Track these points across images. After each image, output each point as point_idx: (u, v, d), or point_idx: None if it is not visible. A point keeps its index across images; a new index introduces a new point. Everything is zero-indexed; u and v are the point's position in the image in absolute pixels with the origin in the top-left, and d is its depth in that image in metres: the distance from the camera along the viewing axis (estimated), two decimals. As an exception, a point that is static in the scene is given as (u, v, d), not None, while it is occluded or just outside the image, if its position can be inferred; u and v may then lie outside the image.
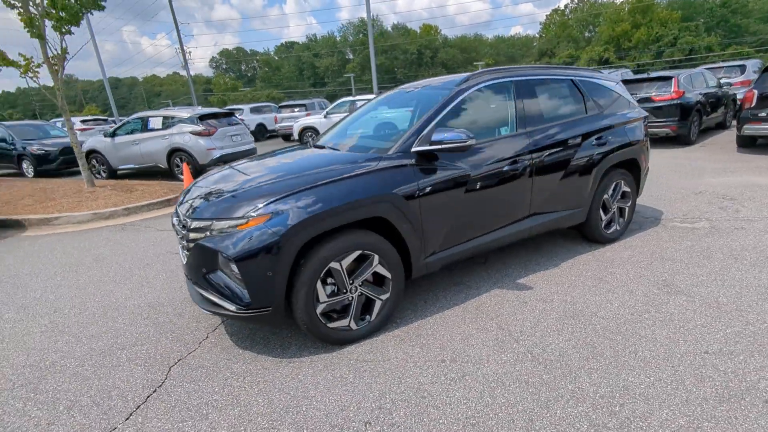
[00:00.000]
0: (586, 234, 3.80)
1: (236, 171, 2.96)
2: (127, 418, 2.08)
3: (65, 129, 17.05)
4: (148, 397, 2.23)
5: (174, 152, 9.53)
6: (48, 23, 7.10)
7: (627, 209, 3.96)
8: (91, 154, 10.58)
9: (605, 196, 3.72)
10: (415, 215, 2.61)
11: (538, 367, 2.24)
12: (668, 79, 7.97)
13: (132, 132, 10.09)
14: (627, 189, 3.89)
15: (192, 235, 2.40)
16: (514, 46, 65.00)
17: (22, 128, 13.05)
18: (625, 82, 8.70)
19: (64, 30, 7.34)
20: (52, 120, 20.04)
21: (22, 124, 14.06)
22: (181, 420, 2.04)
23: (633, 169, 3.94)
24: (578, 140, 3.39)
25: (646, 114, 4.14)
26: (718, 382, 2.04)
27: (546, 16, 61.08)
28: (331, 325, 2.47)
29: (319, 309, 2.40)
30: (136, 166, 10.10)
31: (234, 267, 2.23)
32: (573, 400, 1.99)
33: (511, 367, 2.26)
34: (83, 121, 18.77)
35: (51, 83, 7.78)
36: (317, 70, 60.42)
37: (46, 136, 12.93)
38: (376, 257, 2.53)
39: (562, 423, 1.86)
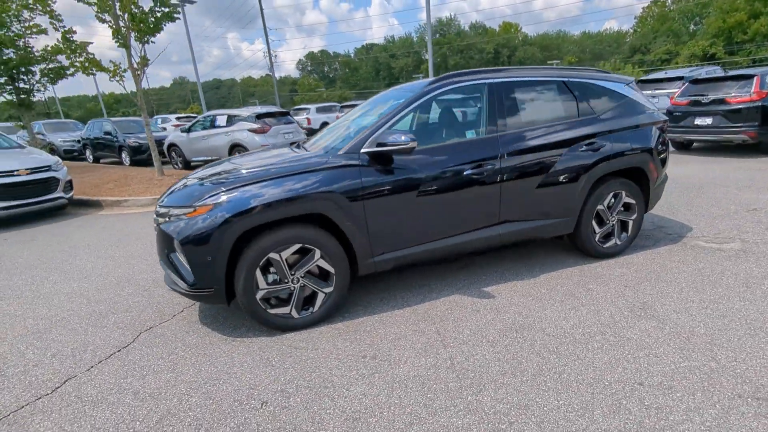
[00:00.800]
0: (579, 247, 3.53)
1: (219, 164, 3.29)
2: (88, 370, 2.47)
3: (161, 125, 19.36)
4: (111, 354, 2.62)
5: (234, 147, 10.47)
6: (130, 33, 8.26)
7: (631, 223, 3.59)
8: (171, 147, 12.09)
9: (600, 207, 3.42)
10: (359, 214, 2.69)
11: (450, 375, 2.21)
12: (749, 78, 6.85)
13: (203, 128, 11.31)
14: (630, 200, 3.52)
15: (158, 219, 2.75)
16: (602, 42, 59.74)
17: (125, 123, 15.27)
18: (696, 81, 7.67)
19: (144, 40, 8.52)
20: (155, 117, 22.97)
21: (125, 120, 16.43)
22: (123, 377, 2.37)
23: (639, 179, 3.56)
24: (562, 145, 3.17)
25: (663, 119, 3.70)
26: (632, 416, 1.84)
27: (643, 8, 55.24)
28: (271, 310, 2.66)
29: (259, 295, 2.61)
30: (206, 159, 11.29)
31: (181, 250, 2.52)
32: (463, 411, 1.94)
33: (424, 371, 2.25)
34: (178, 118, 21.28)
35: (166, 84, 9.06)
36: (393, 70, 61.44)
37: (142, 130, 15.01)
38: (318, 251, 2.66)
39: (438, 431, 1.84)
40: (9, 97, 12.08)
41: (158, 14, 8.26)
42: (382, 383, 2.18)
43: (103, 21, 8.03)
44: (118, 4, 7.92)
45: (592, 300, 2.87)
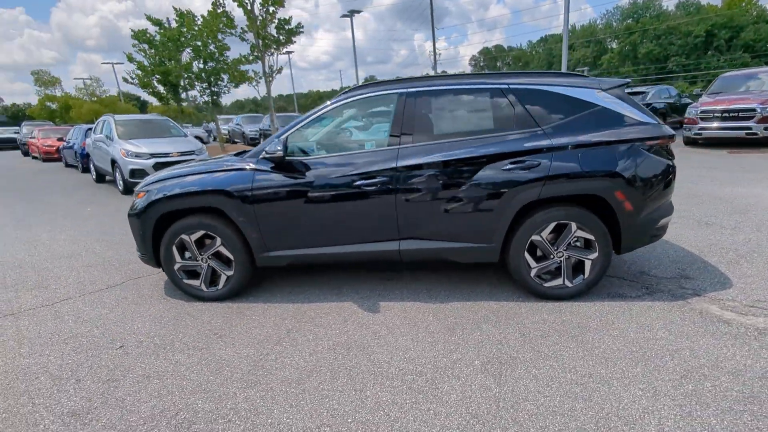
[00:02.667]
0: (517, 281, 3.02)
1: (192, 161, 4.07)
2: (80, 297, 3.55)
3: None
4: (99, 290, 3.66)
5: None
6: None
7: (588, 263, 2.86)
8: None
9: (535, 237, 2.85)
10: (249, 213, 3.02)
11: (250, 366, 2.39)
12: None
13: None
14: (588, 236, 2.81)
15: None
16: None
17: (287, 118, 18.48)
18: None
19: (274, 50, 10.38)
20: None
21: (288, 115, 19.88)
22: (91, 304, 3.34)
23: (604, 210, 2.79)
24: (478, 161, 2.79)
25: (660, 134, 2.75)
26: (325, 453, 1.73)
27: None
28: (186, 281, 3.27)
29: (176, 266, 3.24)
30: None
31: (129, 223, 3.34)
32: (241, 387, 2.14)
33: (237, 359, 2.49)
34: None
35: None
36: (568, 63, 55.27)
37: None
38: (219, 239, 3.13)
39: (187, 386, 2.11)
40: (206, 98, 16.14)
41: (282, 37, 10.03)
42: (207, 357, 2.52)
43: (244, 39, 10.12)
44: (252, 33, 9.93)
45: (452, 343, 2.53)
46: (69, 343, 2.76)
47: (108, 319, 3.07)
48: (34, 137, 18.63)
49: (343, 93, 3.12)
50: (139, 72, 15.92)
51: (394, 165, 2.87)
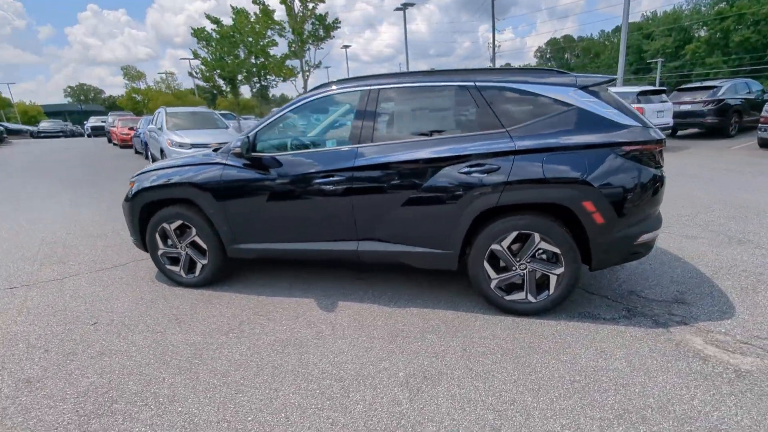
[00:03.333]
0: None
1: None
2: (86, 274, 3.92)
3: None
4: (104, 269, 4.02)
5: None
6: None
7: (554, 279, 2.61)
8: None
9: (495, 247, 2.65)
10: (218, 205, 3.13)
11: (192, 352, 2.50)
12: None
13: None
14: (553, 248, 2.55)
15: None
16: None
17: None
18: None
19: (312, 45, 10.62)
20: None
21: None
22: (91, 282, 3.68)
23: (572, 221, 2.52)
24: (434, 163, 2.64)
25: (643, 138, 2.41)
26: (211, 447, 1.77)
27: None
28: (168, 266, 3.48)
29: (159, 252, 3.46)
30: None
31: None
32: (171, 372, 2.27)
33: (182, 343, 2.62)
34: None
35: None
36: (644, 54, 50.32)
37: None
38: (194, 230, 3.29)
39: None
40: (255, 92, 16.95)
41: (321, 33, 10.27)
42: (160, 340, 2.68)
43: (282, 35, 10.48)
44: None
45: (387, 351, 2.44)
46: (57, 316, 3.06)
47: (98, 297, 3.36)
48: (114, 126, 20.81)
49: (313, 90, 3.11)
50: (203, 67, 17.07)
51: (351, 164, 2.81)
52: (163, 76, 48.67)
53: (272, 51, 15.81)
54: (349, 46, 40.22)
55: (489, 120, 2.63)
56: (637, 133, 2.46)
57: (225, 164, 3.14)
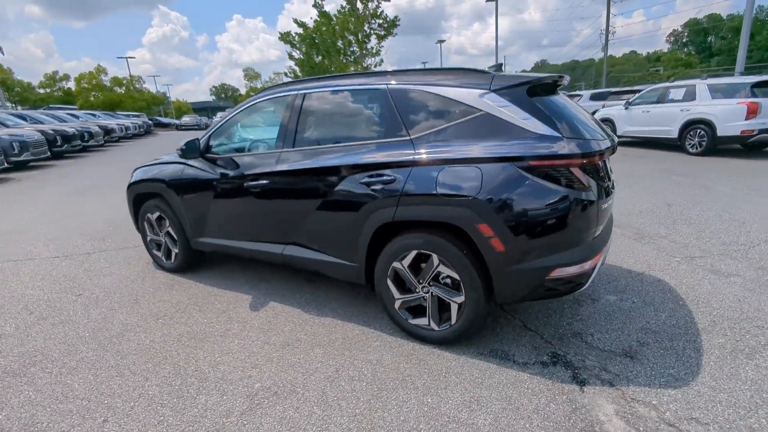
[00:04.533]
0: (390, 310, 2.64)
1: None
2: (103, 252, 4.61)
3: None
4: (118, 249, 4.68)
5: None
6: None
7: (455, 307, 2.28)
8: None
9: (396, 265, 2.41)
10: (179, 200, 3.42)
11: (117, 331, 2.81)
12: None
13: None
14: (452, 273, 2.23)
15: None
16: None
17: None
18: None
19: (376, 43, 10.74)
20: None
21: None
22: (103, 260, 4.33)
23: (470, 243, 2.15)
24: (337, 171, 2.50)
25: (546, 153, 1.95)
26: (57, 420, 1.98)
27: None
28: (153, 251, 3.92)
29: (148, 239, 3.92)
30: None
31: (127, 199, 4.17)
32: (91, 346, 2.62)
33: (130, 323, 2.94)
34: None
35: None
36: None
37: None
38: (167, 221, 3.64)
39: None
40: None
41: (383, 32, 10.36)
42: (108, 316, 3.07)
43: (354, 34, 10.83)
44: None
45: (260, 359, 2.41)
46: (60, 284, 3.69)
47: (98, 272, 3.95)
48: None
49: (257, 93, 3.18)
50: (296, 68, 18.45)
51: (272, 170, 2.83)
52: (272, 76, 54.15)
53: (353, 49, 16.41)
54: (444, 40, 39.35)
55: (396, 126, 2.41)
56: (551, 145, 2.01)
57: (185, 164, 3.41)
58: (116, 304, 3.24)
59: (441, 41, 36.36)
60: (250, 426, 1.91)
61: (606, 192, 2.24)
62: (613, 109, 11.76)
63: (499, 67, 2.69)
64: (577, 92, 17.95)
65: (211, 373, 2.33)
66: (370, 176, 2.40)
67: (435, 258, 2.29)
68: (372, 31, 11.56)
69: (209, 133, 3.30)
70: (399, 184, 2.29)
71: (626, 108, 11.04)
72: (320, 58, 16.07)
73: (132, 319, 2.99)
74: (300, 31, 16.19)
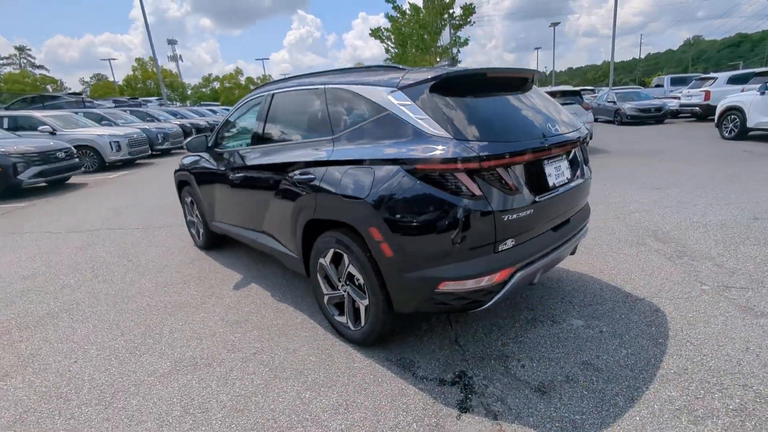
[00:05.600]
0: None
1: None
2: (158, 228, 5.52)
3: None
4: (171, 225, 5.55)
5: None
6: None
7: (362, 309, 2.25)
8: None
9: (322, 261, 2.46)
10: (197, 187, 3.96)
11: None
12: None
13: None
14: (358, 276, 2.19)
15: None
16: None
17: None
18: None
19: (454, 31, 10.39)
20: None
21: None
22: (158, 234, 5.23)
23: (364, 245, 2.08)
24: (279, 168, 2.67)
25: (431, 157, 1.75)
26: (49, 355, 2.57)
27: None
28: (191, 230, 4.60)
29: (187, 219, 4.61)
30: None
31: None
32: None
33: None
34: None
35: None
36: None
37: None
38: (196, 204, 4.24)
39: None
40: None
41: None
42: (118, 282, 3.76)
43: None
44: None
45: (203, 338, 2.69)
46: (125, 250, 4.59)
47: (155, 244, 4.79)
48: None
49: (251, 92, 3.48)
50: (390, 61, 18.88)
51: (243, 164, 3.12)
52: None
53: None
54: (558, 23, 35.34)
55: (325, 125, 2.45)
56: (437, 147, 1.84)
57: (201, 156, 3.92)
58: (146, 272, 3.93)
59: (555, 24, 33.07)
60: (158, 387, 2.23)
61: (525, 199, 1.95)
62: (746, 95, 9.52)
63: (452, 61, 2.50)
64: (711, 74, 14.66)
65: (166, 337, 2.73)
66: (301, 174, 2.50)
67: (346, 258, 2.30)
68: (447, 22, 11.17)
69: (216, 129, 3.74)
70: (317, 183, 2.35)
71: (762, 93, 8.90)
72: (413, 50, 16.09)
73: (147, 285, 3.62)
74: (389, 26, 16.47)
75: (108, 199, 7.55)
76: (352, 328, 2.43)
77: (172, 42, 54.16)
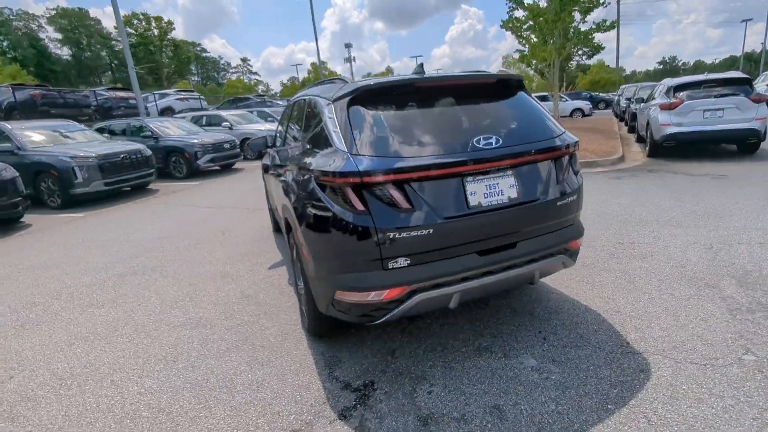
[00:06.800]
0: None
1: None
2: (257, 210, 6.57)
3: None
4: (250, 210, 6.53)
5: None
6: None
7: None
8: None
9: (291, 252, 2.72)
10: (264, 178, 4.68)
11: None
12: None
13: None
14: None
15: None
16: None
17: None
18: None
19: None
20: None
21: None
22: (252, 214, 6.28)
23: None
24: (280, 167, 3.11)
25: (328, 169, 1.73)
26: (130, 297, 3.58)
27: None
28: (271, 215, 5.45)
29: (268, 206, 5.48)
30: None
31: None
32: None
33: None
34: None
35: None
36: None
37: None
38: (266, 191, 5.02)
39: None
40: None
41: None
42: (189, 246, 4.73)
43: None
44: None
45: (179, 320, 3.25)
46: (219, 223, 5.74)
47: (247, 223, 5.83)
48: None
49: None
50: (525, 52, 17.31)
51: (274, 162, 3.60)
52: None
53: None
54: None
55: (300, 130, 2.70)
56: (335, 161, 1.88)
57: (268, 152, 4.60)
58: (226, 245, 4.88)
59: None
60: (165, 334, 2.89)
61: (424, 218, 1.84)
62: None
63: (420, 67, 2.42)
64: None
65: (196, 299, 3.44)
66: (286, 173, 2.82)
67: (295, 253, 2.54)
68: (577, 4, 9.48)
69: (277, 128, 4.36)
70: (285, 184, 2.64)
71: None
72: (552, 40, 14.39)
73: (219, 256, 4.51)
74: (524, 14, 14.93)
75: (251, 182, 9.32)
76: (306, 320, 2.66)
77: (348, 45, 61.08)
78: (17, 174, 6.57)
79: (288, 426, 1.93)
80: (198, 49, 73.44)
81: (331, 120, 2.12)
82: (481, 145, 1.95)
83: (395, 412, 1.96)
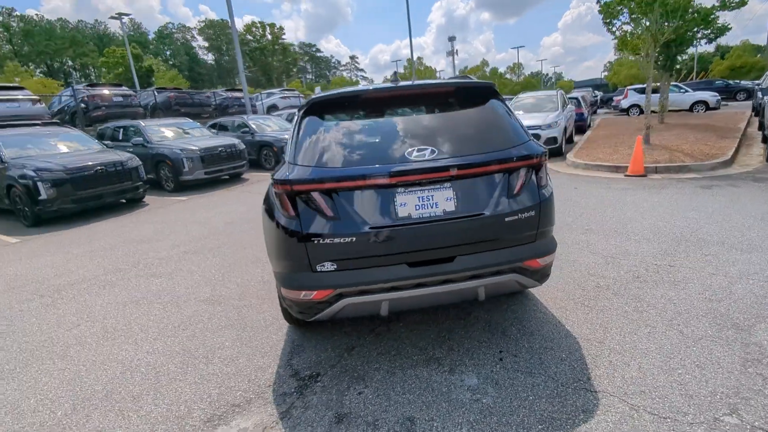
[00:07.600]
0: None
1: None
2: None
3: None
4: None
5: None
6: None
7: (282, 294, 2.64)
8: None
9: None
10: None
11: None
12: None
13: None
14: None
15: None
16: None
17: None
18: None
19: None
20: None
21: None
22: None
23: None
24: None
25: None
26: (183, 272, 4.26)
27: None
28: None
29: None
30: None
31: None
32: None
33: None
34: None
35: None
36: None
37: None
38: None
39: (230, 244, 5.13)
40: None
41: None
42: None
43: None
44: None
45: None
46: (250, 212, 6.33)
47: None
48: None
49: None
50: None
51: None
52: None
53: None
54: None
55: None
56: (282, 168, 2.12)
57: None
58: (246, 235, 5.40)
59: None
60: (182, 308, 3.41)
61: (347, 226, 1.91)
62: None
63: (395, 76, 2.43)
64: None
65: (223, 279, 3.95)
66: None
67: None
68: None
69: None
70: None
71: None
72: (665, 22, 12.02)
73: (255, 242, 5.03)
74: None
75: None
76: (287, 308, 2.91)
77: (451, 39, 60.17)
78: (140, 163, 8.13)
79: (232, 400, 2.19)
80: (313, 49, 79.65)
81: (294, 129, 2.29)
82: (412, 157, 1.93)
83: (321, 405, 2.08)
